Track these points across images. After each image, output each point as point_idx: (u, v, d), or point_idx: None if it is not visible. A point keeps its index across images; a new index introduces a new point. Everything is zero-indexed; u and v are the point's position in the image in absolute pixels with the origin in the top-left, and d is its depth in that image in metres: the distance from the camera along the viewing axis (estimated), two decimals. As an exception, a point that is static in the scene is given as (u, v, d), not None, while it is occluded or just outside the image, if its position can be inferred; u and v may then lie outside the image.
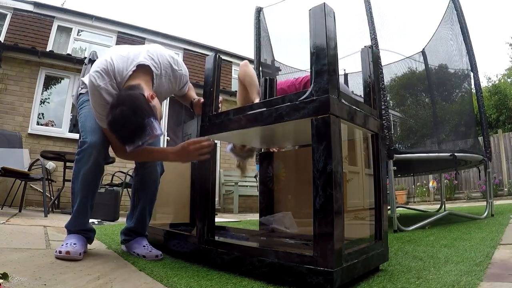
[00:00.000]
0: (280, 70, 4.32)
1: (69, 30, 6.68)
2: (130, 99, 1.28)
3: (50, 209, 4.26)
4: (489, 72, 24.61)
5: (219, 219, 4.12)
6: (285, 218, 1.83)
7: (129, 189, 4.41)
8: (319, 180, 1.00)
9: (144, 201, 1.66)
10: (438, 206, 4.74)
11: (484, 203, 3.68)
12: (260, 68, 3.81)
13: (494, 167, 7.22)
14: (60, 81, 6.13)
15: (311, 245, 1.06)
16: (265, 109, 1.21)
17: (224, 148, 6.97)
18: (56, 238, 1.98)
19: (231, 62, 8.39)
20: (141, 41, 7.18)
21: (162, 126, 6.52)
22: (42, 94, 5.79)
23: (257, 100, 1.78)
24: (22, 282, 1.03)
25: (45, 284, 1.03)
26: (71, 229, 1.51)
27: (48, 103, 6.04)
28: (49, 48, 6.14)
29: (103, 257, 1.53)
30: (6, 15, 6.07)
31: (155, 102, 1.36)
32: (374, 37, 2.60)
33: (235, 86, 7.67)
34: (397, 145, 3.37)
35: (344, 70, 4.34)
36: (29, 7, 6.22)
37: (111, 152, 1.54)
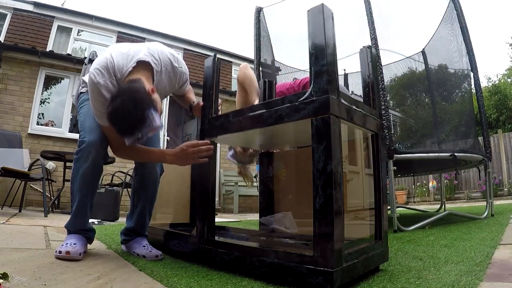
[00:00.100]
0: (280, 70, 4.31)
1: (69, 30, 6.68)
2: (130, 91, 1.28)
3: (50, 209, 4.26)
4: (489, 72, 24.66)
5: (219, 219, 4.12)
6: (285, 218, 1.83)
7: (129, 189, 4.41)
8: (319, 180, 1.00)
9: (144, 201, 1.66)
10: (438, 206, 4.74)
11: (484, 203, 3.68)
12: (260, 68, 3.80)
13: (494, 167, 7.22)
14: (60, 81, 6.13)
15: (311, 245, 1.06)
16: (265, 110, 1.21)
17: (225, 154, 6.99)
18: (56, 238, 1.99)
19: (231, 62, 8.40)
20: (141, 41, 7.18)
21: (162, 126, 6.51)
22: (42, 94, 5.79)
23: (256, 102, 1.78)
24: (22, 282, 1.03)
25: (45, 284, 1.03)
26: (71, 229, 1.51)
27: (48, 103, 6.04)
28: (49, 48, 6.14)
29: (103, 257, 1.53)
30: (6, 15, 6.07)
31: (156, 96, 1.36)
32: (374, 37, 2.60)
33: (235, 86, 7.67)
34: (397, 145, 3.36)
35: (344, 70, 4.34)
36: (29, 7, 6.23)
37: (110, 152, 1.54)
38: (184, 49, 7.86)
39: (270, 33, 4.01)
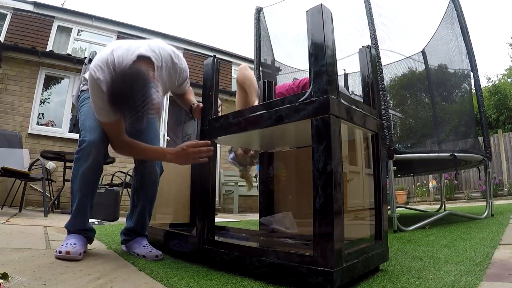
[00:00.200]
0: (280, 70, 4.31)
1: (69, 30, 6.68)
2: (132, 68, 1.29)
3: (50, 209, 4.26)
4: (489, 72, 24.59)
5: (219, 219, 4.12)
6: (285, 218, 1.83)
7: (129, 189, 4.41)
8: (319, 180, 1.00)
9: (143, 201, 1.66)
10: (438, 206, 4.74)
11: (484, 203, 3.68)
12: (260, 68, 3.80)
13: (494, 167, 7.22)
14: (60, 81, 6.13)
15: (311, 245, 1.06)
16: (264, 111, 1.21)
17: (225, 155, 6.98)
18: (56, 238, 1.99)
19: (231, 62, 8.40)
20: (141, 41, 7.17)
21: (162, 126, 6.52)
22: (42, 94, 5.79)
23: (256, 103, 1.78)
24: (22, 282, 1.03)
25: (45, 284, 1.03)
26: (70, 229, 1.51)
27: (48, 103, 6.04)
28: (49, 48, 6.14)
29: (103, 257, 1.53)
30: (6, 15, 6.07)
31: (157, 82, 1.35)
32: (374, 37, 2.60)
33: (235, 86, 7.67)
34: (397, 145, 3.36)
35: (344, 70, 4.34)
36: (29, 7, 6.22)
37: (110, 152, 1.54)
38: (184, 49, 7.86)
39: (270, 33, 4.01)
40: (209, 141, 1.42)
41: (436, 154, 2.93)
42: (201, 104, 1.58)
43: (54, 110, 6.01)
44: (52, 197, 4.83)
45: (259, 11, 3.94)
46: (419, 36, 4.08)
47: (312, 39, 1.09)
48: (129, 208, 1.75)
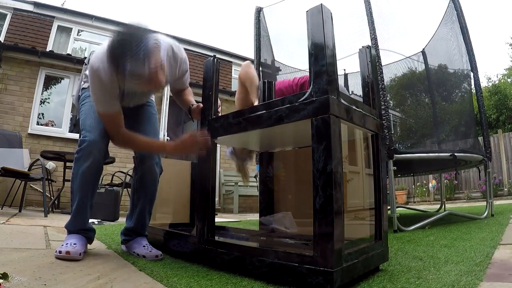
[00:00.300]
0: (280, 70, 4.31)
1: (69, 30, 6.68)
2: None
3: (50, 209, 4.26)
4: (489, 72, 24.56)
5: (219, 219, 4.12)
6: (285, 218, 1.83)
7: (129, 189, 4.41)
8: (319, 180, 1.00)
9: (143, 201, 1.66)
10: (438, 206, 4.74)
11: (484, 203, 3.68)
12: (260, 68, 3.80)
13: (494, 167, 7.22)
14: (60, 81, 6.13)
15: (311, 245, 1.06)
16: (264, 111, 1.21)
17: (224, 151, 6.99)
18: (56, 238, 1.99)
19: (231, 62, 8.40)
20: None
21: (162, 126, 6.52)
22: (42, 94, 5.79)
23: (256, 103, 1.77)
24: (22, 282, 1.03)
25: (45, 284, 1.03)
26: (71, 229, 1.51)
27: (48, 103, 6.04)
28: (49, 48, 6.14)
29: (103, 257, 1.53)
30: (6, 15, 6.07)
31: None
32: (374, 37, 2.60)
33: (235, 86, 7.67)
34: (397, 145, 3.36)
35: (344, 70, 4.34)
36: (29, 7, 6.22)
37: (111, 152, 1.54)
38: (184, 49, 7.78)
39: (270, 33, 4.01)
40: (206, 131, 1.44)
41: (436, 154, 2.93)
42: (200, 105, 1.58)
43: (54, 110, 6.01)
44: (52, 197, 4.83)
45: (259, 11, 3.94)
46: (419, 36, 4.08)
47: (312, 39, 1.09)
48: (129, 208, 1.75)
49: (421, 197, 8.42)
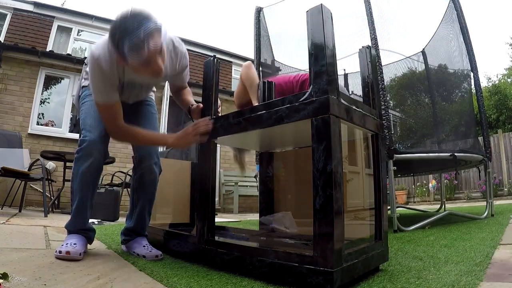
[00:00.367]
0: (280, 70, 4.31)
1: (69, 30, 6.68)
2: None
3: (50, 209, 4.26)
4: (489, 72, 24.58)
5: (219, 219, 4.12)
6: (285, 218, 1.83)
7: (129, 189, 4.40)
8: (319, 180, 1.00)
9: (143, 201, 1.66)
10: (438, 206, 4.74)
11: (484, 203, 3.68)
12: (260, 68, 3.80)
13: (494, 167, 7.22)
14: (60, 81, 6.13)
15: (311, 245, 1.06)
16: (264, 111, 1.21)
17: (225, 155, 7.01)
18: (56, 238, 1.99)
19: (231, 62, 8.40)
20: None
21: (162, 126, 6.53)
22: (42, 94, 5.80)
23: (256, 104, 1.78)
24: (22, 282, 1.03)
25: (45, 284, 1.03)
26: (71, 229, 1.51)
27: (48, 103, 6.04)
28: (49, 48, 6.14)
29: (103, 257, 1.53)
30: (6, 15, 6.07)
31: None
32: (374, 37, 2.60)
33: (235, 86, 7.67)
34: (397, 145, 3.36)
35: (344, 70, 4.35)
36: (29, 7, 6.22)
37: (111, 152, 1.54)
38: (184, 49, 7.86)
39: (270, 33, 4.01)
40: (208, 118, 1.44)
41: (436, 154, 2.93)
42: (200, 105, 1.58)
43: (54, 110, 6.01)
44: (52, 197, 4.83)
45: (259, 11, 3.94)
46: (419, 36, 4.09)
47: (312, 39, 1.09)
48: (128, 208, 1.75)
49: (421, 197, 8.42)
